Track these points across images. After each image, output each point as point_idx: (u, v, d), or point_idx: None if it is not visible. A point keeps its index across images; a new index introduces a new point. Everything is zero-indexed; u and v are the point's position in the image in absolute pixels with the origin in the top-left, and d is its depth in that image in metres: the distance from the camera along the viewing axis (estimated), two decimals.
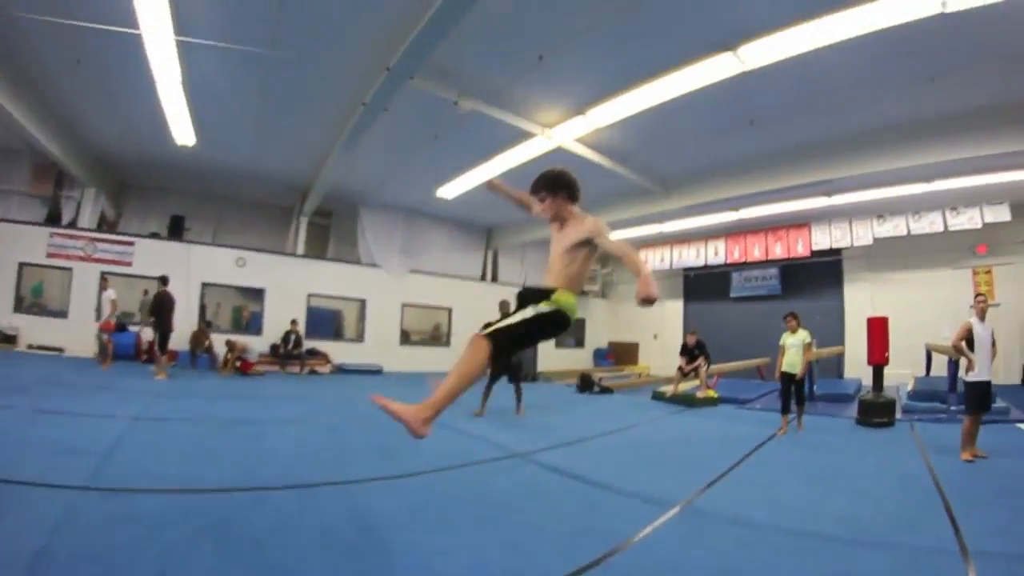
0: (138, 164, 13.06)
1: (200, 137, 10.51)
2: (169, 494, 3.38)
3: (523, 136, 9.41)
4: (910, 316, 12.14)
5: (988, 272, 12.64)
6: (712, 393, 10.57)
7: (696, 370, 10.56)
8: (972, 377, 5.56)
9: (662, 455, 5.87)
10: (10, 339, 11.34)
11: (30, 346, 11.46)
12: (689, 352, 10.68)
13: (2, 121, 9.43)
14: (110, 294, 10.34)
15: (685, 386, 11.00)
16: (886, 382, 8.63)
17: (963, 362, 5.80)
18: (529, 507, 3.71)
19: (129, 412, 5.90)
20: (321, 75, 8.12)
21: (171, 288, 10.33)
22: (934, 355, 10.89)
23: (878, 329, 8.61)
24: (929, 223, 12.22)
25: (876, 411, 7.94)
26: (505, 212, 15.59)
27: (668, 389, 10.90)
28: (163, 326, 9.76)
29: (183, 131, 10.20)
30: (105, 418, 5.48)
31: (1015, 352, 11.62)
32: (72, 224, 12.72)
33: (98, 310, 10.93)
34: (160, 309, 9.86)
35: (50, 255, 12.03)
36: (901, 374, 11.74)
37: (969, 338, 5.60)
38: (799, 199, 11.87)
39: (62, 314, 12.01)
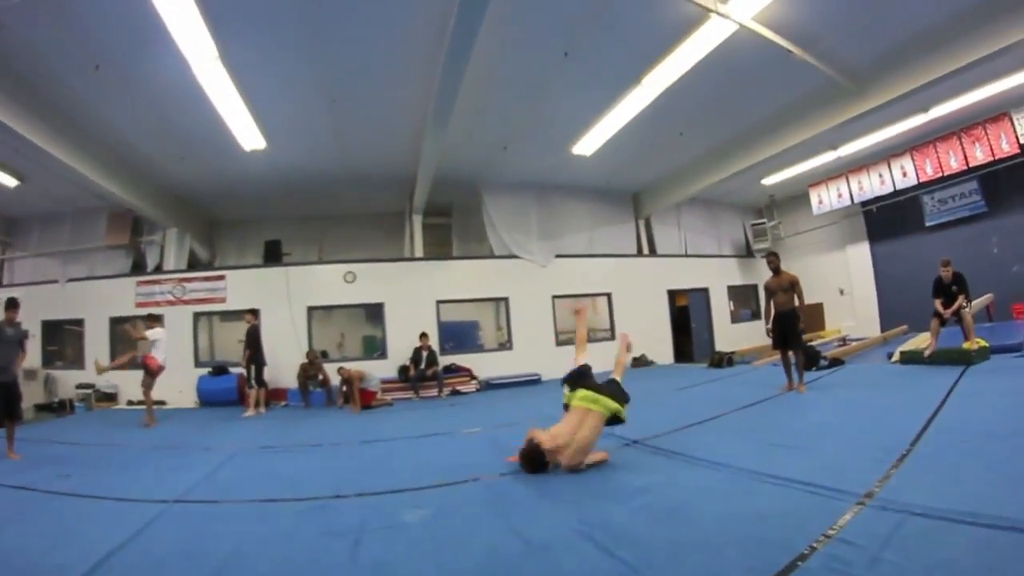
0: (222, 195, 11.98)
1: (269, 137, 8.85)
2: None
3: (688, 24, 6.65)
4: None
5: None
6: (982, 342, 7.50)
7: (958, 314, 7.67)
8: None
9: None
10: (110, 397, 10.77)
11: (130, 402, 10.52)
12: (945, 290, 7.78)
13: (68, 176, 9.10)
14: (156, 333, 8.46)
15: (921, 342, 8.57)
16: None
17: None
18: None
19: (177, 487, 4.09)
20: None
21: (272, 317, 10.35)
22: None
23: None
24: None
25: None
26: (650, 169, 12.78)
27: (920, 345, 8.36)
28: (258, 360, 9.29)
29: (246, 131, 8.58)
30: (129, 503, 3.73)
31: None
32: (158, 269, 11.81)
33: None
34: (255, 343, 9.35)
35: (139, 304, 11.14)
36: None
37: None
38: (1005, 76, 8.95)
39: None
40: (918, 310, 12.66)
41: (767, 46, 7.11)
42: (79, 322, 11.30)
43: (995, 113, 10.93)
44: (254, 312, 9.59)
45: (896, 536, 2.24)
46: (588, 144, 10.29)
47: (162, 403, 10.39)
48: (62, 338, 11.76)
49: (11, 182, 10.03)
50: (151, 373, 8.13)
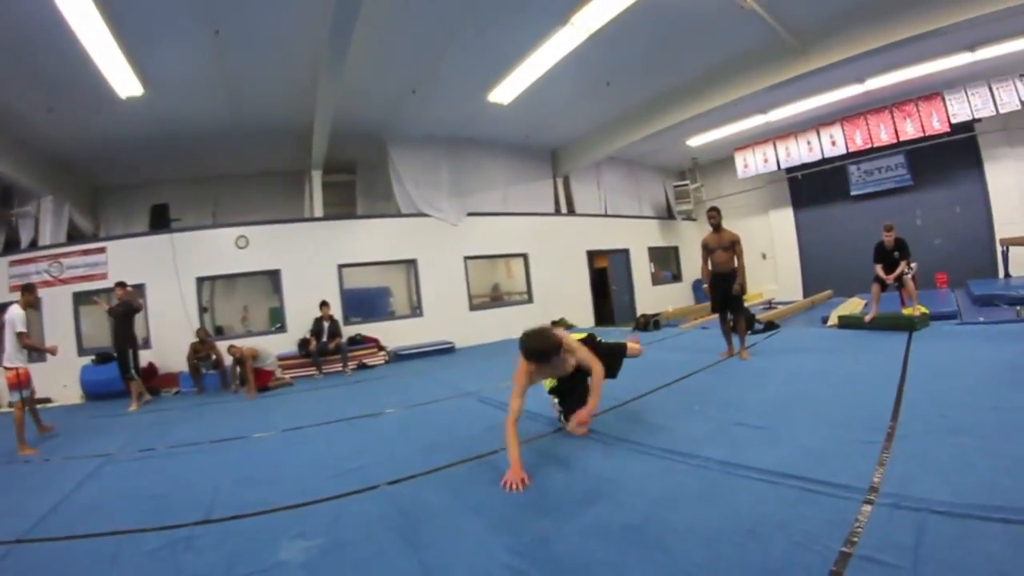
0: (102, 156, 10.41)
1: (147, 80, 7.58)
2: None
3: None
4: None
5: None
6: (923, 308, 7.44)
7: (900, 280, 7.56)
8: None
9: None
10: None
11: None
12: (887, 256, 7.65)
13: None
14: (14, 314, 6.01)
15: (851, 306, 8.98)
16: None
17: None
18: None
19: (27, 519, 3.20)
20: None
21: (159, 292, 9.57)
22: None
23: None
24: None
25: None
26: (572, 122, 12.12)
27: (851, 310, 8.66)
28: (131, 342, 8.16)
29: (119, 73, 7.25)
30: None
31: None
32: (33, 245, 10.18)
33: None
34: (128, 320, 8.20)
35: (12, 288, 9.48)
36: None
37: None
38: (941, 56, 9.57)
39: (40, 358, 9.35)
40: (841, 275, 13.27)
41: None
42: None
43: (928, 92, 11.32)
44: (123, 286, 8.31)
45: (925, 545, 1.77)
46: (506, 91, 9.47)
47: (47, 401, 9.07)
48: None
49: None
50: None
